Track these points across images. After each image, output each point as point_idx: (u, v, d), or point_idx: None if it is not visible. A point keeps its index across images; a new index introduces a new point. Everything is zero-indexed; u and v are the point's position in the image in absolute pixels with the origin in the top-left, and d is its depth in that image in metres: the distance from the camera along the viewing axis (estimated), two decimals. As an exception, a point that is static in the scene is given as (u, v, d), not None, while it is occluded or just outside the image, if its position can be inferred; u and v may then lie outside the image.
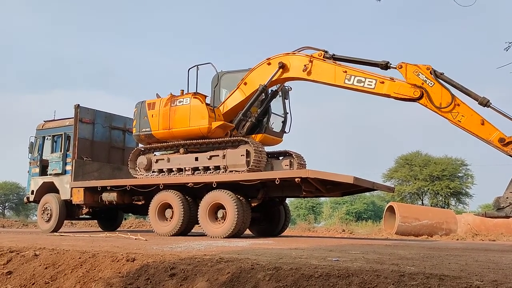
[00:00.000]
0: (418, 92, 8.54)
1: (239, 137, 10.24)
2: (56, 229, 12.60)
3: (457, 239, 13.91)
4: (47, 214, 12.77)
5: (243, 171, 9.85)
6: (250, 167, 9.77)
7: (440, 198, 35.51)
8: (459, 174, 36.01)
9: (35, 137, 13.77)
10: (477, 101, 8.24)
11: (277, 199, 11.10)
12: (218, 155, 10.23)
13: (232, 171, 10.03)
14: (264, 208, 10.93)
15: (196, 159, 10.53)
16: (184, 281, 4.80)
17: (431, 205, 35.14)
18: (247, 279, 4.47)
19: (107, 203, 11.93)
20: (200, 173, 10.44)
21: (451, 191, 34.32)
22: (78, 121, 12.77)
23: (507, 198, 7.38)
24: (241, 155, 9.88)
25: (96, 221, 15.73)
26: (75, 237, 9.56)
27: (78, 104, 12.85)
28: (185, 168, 10.65)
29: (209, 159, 10.32)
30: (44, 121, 13.97)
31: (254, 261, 4.97)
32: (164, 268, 5.12)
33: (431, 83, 8.54)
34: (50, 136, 13.35)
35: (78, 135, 12.72)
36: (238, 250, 6.36)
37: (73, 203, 12.39)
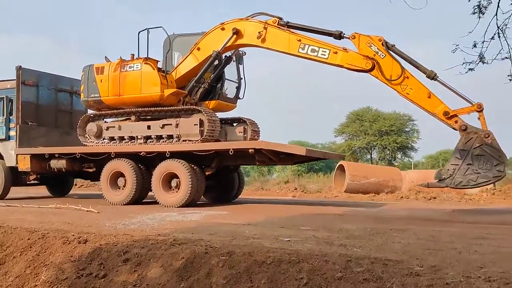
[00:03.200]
0: (370, 63, 8.67)
1: (192, 106, 10.07)
2: (2, 197, 12.13)
3: (401, 197, 14.74)
4: (-8, 182, 12.24)
5: (196, 140, 9.78)
6: (203, 136, 9.71)
7: (388, 152, 37.08)
8: (406, 129, 37.56)
9: (-26, 100, 12.91)
10: (425, 74, 8.49)
11: (231, 167, 11.17)
12: (171, 124, 10.06)
13: (185, 140, 9.94)
14: (218, 176, 10.95)
15: (149, 127, 10.32)
16: (138, 267, 4.84)
17: (379, 159, 36.68)
18: (201, 265, 4.58)
19: (56, 170, 11.56)
20: (152, 142, 10.28)
21: (398, 145, 35.87)
22: (21, 83, 12.06)
23: (448, 170, 7.81)
24: (194, 125, 9.77)
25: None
26: (23, 209, 9.26)
27: (20, 66, 12.08)
28: (137, 136, 10.42)
29: (161, 127, 10.14)
30: (-18, 83, 13.09)
31: (208, 242, 5.08)
32: (117, 252, 5.11)
33: (382, 55, 8.67)
34: (-10, 99, 12.57)
35: (21, 99, 12.04)
36: (192, 227, 6.43)
37: (19, 170, 11.94)
